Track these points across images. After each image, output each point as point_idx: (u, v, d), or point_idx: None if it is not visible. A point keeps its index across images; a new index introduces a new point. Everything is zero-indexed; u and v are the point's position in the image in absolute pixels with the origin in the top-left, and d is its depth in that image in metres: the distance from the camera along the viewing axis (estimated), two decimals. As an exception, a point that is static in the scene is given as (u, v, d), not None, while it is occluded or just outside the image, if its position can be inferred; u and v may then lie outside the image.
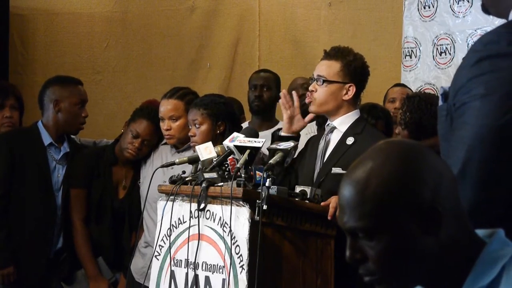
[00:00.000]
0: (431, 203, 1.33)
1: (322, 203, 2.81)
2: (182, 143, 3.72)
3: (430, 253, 1.35)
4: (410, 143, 1.46)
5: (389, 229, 1.33)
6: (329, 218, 2.79)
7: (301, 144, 3.37)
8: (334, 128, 3.18)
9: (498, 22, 5.10)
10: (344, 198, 1.38)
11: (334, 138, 3.17)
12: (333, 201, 2.81)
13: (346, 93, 3.15)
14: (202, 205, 2.77)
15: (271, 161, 2.75)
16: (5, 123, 4.02)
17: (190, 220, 2.83)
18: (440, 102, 1.85)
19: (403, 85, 4.78)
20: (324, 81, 3.13)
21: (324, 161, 3.13)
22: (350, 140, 3.10)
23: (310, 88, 3.18)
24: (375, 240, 1.34)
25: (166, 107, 3.69)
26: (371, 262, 1.35)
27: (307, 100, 3.21)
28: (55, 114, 3.90)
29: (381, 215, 1.33)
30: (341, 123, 3.16)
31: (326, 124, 3.25)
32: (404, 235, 1.33)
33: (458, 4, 4.94)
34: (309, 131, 4.17)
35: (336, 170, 3.05)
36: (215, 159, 2.85)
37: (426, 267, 1.36)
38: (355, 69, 3.15)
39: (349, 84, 3.14)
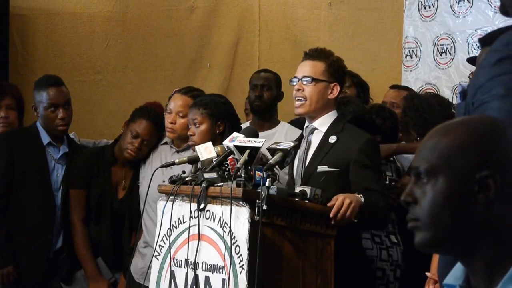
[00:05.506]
0: (489, 173, 1.37)
1: (328, 204, 2.81)
2: (181, 140, 3.72)
3: (474, 219, 1.38)
4: (502, 121, 1.48)
5: (445, 175, 1.40)
6: (331, 215, 2.79)
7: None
8: (314, 129, 3.22)
9: (498, 22, 5.09)
10: (423, 142, 1.48)
11: (316, 139, 3.21)
12: (339, 200, 2.81)
13: (331, 92, 3.20)
14: (202, 205, 2.77)
15: (271, 161, 2.75)
16: (1, 123, 4.00)
17: (190, 220, 2.83)
18: (458, 100, 1.83)
19: (398, 87, 4.74)
20: (313, 79, 3.17)
21: (307, 161, 3.17)
22: (332, 139, 3.14)
23: (297, 87, 3.21)
24: (430, 184, 1.41)
25: (177, 102, 3.70)
26: (419, 206, 1.42)
27: (297, 103, 3.21)
28: (38, 118, 3.93)
29: (443, 161, 1.41)
30: (322, 123, 3.21)
31: (306, 126, 3.27)
32: (456, 186, 1.39)
33: (458, 4, 4.93)
34: None
35: (321, 168, 3.10)
36: (215, 159, 2.85)
37: (467, 232, 1.38)
38: (338, 69, 3.23)
39: (333, 84, 3.20)
